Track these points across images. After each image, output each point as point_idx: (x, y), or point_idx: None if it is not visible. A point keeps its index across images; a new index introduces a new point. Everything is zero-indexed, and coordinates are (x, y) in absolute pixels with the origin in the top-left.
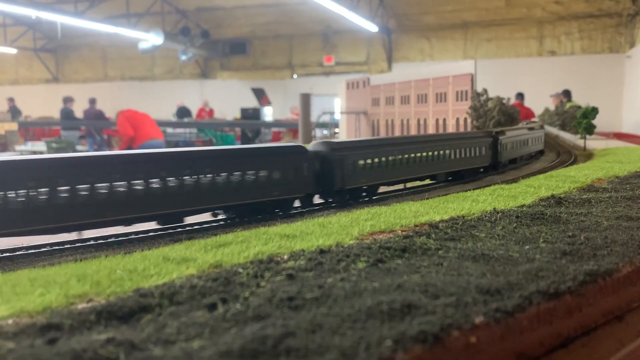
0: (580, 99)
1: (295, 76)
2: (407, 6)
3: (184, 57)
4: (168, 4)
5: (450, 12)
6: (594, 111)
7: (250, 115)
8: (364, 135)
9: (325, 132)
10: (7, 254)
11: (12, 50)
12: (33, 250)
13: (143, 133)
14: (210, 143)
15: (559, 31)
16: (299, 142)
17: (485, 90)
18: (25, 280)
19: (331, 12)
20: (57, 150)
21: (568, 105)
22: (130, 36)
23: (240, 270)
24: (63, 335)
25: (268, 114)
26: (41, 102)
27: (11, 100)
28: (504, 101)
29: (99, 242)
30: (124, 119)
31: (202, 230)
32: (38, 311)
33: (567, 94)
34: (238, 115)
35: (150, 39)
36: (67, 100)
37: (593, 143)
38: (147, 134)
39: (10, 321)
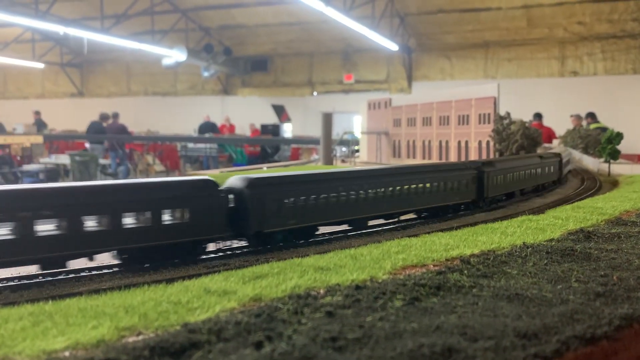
0: (603, 121)
1: (315, 93)
2: (428, 25)
3: (206, 74)
4: (192, 22)
5: (471, 32)
6: (618, 136)
7: (270, 131)
8: (385, 155)
9: (344, 149)
10: (49, 278)
11: (40, 65)
12: (73, 275)
13: None
14: (230, 158)
15: (581, 52)
16: (320, 161)
17: (508, 114)
18: (76, 311)
19: (352, 30)
20: (80, 164)
21: (593, 126)
22: (154, 52)
23: (281, 305)
24: None
25: (288, 130)
26: (66, 115)
27: (37, 113)
28: (527, 124)
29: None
30: None
31: (234, 256)
32: (92, 344)
33: (592, 116)
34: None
35: (173, 55)
36: (104, 117)
37: (618, 168)
38: None
39: (67, 353)
